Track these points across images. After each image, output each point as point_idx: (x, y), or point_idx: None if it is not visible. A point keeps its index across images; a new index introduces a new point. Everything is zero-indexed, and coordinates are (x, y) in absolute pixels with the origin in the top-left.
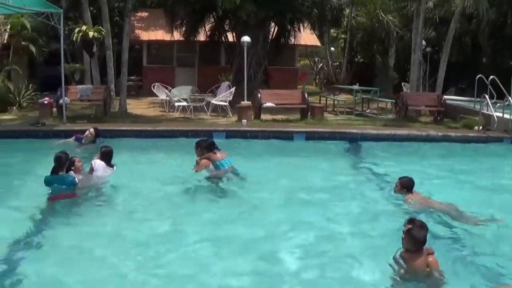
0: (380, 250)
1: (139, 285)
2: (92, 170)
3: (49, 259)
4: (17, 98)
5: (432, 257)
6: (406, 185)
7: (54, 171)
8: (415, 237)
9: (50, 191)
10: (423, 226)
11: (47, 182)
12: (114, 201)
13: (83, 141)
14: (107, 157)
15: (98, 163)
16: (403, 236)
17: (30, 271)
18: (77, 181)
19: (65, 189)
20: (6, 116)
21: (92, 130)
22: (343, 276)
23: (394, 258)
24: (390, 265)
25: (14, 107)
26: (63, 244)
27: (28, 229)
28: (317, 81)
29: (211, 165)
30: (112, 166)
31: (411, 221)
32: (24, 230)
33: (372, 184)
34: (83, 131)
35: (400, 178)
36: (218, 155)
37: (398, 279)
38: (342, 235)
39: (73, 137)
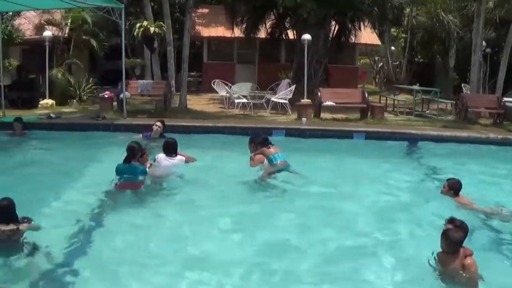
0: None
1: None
2: (154, 162)
3: (109, 245)
4: (78, 92)
5: (470, 259)
6: (453, 187)
7: (127, 160)
8: (450, 238)
9: (119, 179)
10: (461, 227)
11: (119, 170)
12: (172, 193)
13: (151, 136)
14: (168, 149)
15: (159, 156)
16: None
17: (90, 254)
18: (147, 169)
19: (134, 179)
20: (66, 109)
21: (159, 123)
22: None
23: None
24: (430, 265)
25: (75, 100)
26: (124, 229)
27: (90, 215)
28: (377, 80)
29: (265, 160)
30: (173, 157)
31: (451, 220)
32: (86, 216)
33: (429, 185)
34: (146, 126)
35: (448, 180)
36: (272, 149)
37: (432, 280)
38: (396, 235)
39: (141, 135)
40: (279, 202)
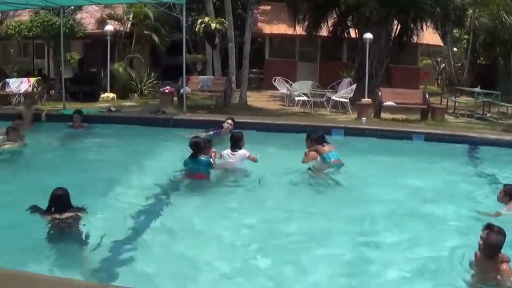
0: None
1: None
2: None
3: (172, 233)
4: (139, 86)
5: (507, 265)
6: (509, 193)
7: (193, 156)
8: (489, 242)
9: (186, 170)
10: (499, 232)
11: (186, 164)
12: (234, 188)
13: (222, 133)
14: (232, 142)
15: (224, 151)
16: (479, 241)
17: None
18: (212, 162)
19: (202, 170)
20: (127, 103)
21: (230, 121)
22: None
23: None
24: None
25: (136, 94)
26: (186, 218)
27: (146, 206)
28: (439, 81)
29: (318, 158)
30: (235, 151)
31: (488, 226)
32: (143, 207)
33: (487, 189)
34: (205, 122)
35: (505, 186)
36: (326, 148)
37: (468, 282)
38: (446, 237)
39: (211, 132)
40: (337, 201)
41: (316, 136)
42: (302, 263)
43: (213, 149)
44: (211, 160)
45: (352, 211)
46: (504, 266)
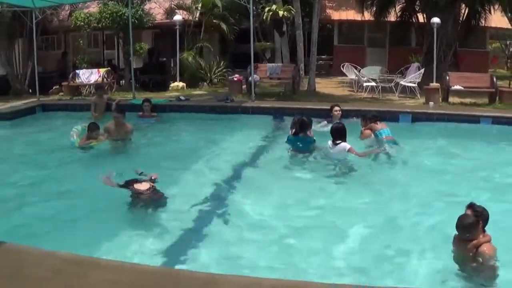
0: None
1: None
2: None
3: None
4: (208, 74)
5: (487, 245)
6: None
7: (297, 133)
8: (458, 223)
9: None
10: (479, 213)
11: (291, 141)
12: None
13: (333, 121)
14: (333, 134)
15: (328, 142)
16: None
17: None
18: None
19: (306, 148)
20: (196, 92)
21: (337, 107)
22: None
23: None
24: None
25: (205, 83)
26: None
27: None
28: (508, 65)
29: (372, 135)
30: (337, 143)
31: (470, 206)
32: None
33: None
34: (283, 110)
35: None
36: (379, 125)
37: (451, 264)
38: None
39: (325, 122)
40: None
41: (371, 115)
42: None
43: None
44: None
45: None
46: (484, 247)
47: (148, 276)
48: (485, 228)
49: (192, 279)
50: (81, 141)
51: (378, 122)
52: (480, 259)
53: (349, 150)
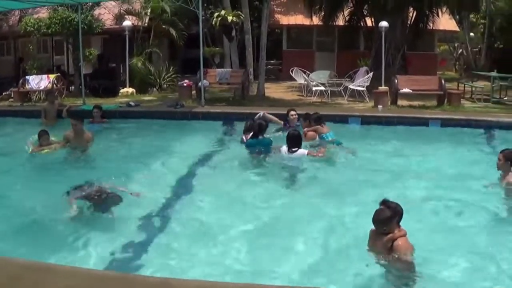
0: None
1: None
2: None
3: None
4: (158, 80)
5: (402, 239)
6: (510, 158)
7: (255, 135)
8: (374, 217)
9: (250, 151)
10: (391, 208)
11: (251, 144)
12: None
13: (290, 127)
14: (290, 141)
15: (282, 149)
16: None
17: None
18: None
19: (266, 149)
20: (146, 97)
21: (293, 112)
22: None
23: None
24: None
25: (155, 89)
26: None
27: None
28: (456, 67)
29: (317, 137)
30: (294, 151)
31: (383, 202)
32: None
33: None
34: (233, 115)
35: (503, 151)
36: (325, 128)
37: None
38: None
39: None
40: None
41: (315, 117)
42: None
43: None
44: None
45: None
46: (397, 242)
47: (104, 281)
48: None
49: (147, 284)
50: (33, 148)
51: (323, 125)
52: (396, 255)
53: (308, 154)
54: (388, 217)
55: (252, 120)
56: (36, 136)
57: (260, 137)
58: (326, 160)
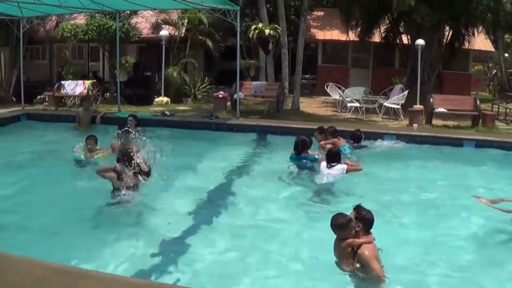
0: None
1: None
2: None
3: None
4: (192, 90)
5: (366, 247)
6: None
7: (299, 152)
8: (331, 222)
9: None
10: (360, 216)
11: (294, 159)
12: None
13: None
14: (328, 157)
15: (321, 164)
16: None
17: None
18: (317, 157)
19: (308, 165)
20: (180, 107)
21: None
22: None
23: None
24: None
25: (189, 99)
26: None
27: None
28: (490, 87)
29: None
30: (332, 165)
31: (356, 208)
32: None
33: None
34: (267, 128)
35: None
36: (342, 141)
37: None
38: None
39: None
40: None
41: (332, 129)
42: None
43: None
44: (316, 157)
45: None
46: (362, 249)
47: None
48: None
49: None
50: (86, 154)
51: (340, 138)
52: (361, 261)
53: (347, 170)
54: (341, 223)
55: (298, 136)
56: (82, 143)
57: (303, 154)
58: (364, 174)
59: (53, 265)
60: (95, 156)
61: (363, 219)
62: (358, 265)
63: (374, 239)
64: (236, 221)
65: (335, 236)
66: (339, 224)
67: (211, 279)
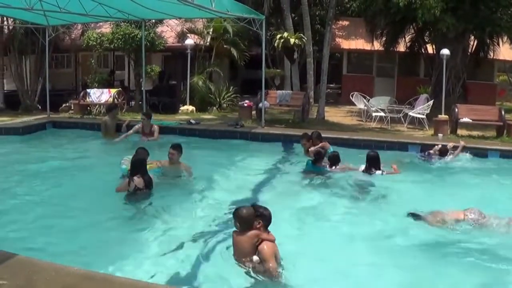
0: None
1: None
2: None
3: None
4: (218, 99)
5: (267, 244)
6: None
7: (315, 162)
8: (235, 214)
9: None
10: (258, 212)
11: (307, 165)
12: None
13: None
14: (370, 162)
15: (361, 167)
16: None
17: None
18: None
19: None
20: (206, 116)
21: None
22: None
23: None
24: None
25: (214, 107)
26: None
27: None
28: None
29: None
30: (372, 170)
31: (252, 205)
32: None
33: None
34: (292, 137)
35: None
36: (327, 144)
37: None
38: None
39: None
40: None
41: (317, 134)
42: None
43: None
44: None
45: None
46: (262, 245)
47: None
48: None
49: None
50: None
51: (324, 141)
52: (260, 256)
53: (384, 173)
54: (243, 215)
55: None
56: (129, 156)
57: (318, 165)
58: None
59: (80, 271)
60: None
61: (262, 216)
62: (257, 259)
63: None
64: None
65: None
66: (245, 216)
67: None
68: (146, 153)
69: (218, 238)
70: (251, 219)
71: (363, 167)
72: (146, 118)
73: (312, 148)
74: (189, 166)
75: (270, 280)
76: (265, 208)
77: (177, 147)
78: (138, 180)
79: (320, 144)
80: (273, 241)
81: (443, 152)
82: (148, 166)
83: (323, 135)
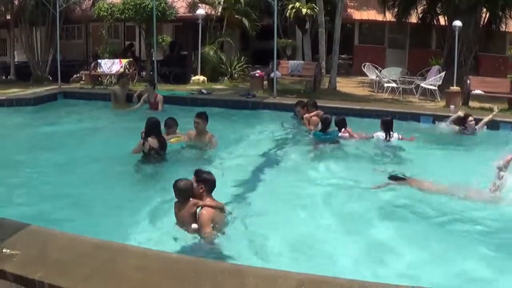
0: None
1: None
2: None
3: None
4: (229, 69)
5: (206, 209)
6: None
7: (323, 129)
8: (174, 186)
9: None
10: (201, 178)
11: (318, 136)
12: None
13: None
14: (386, 126)
15: (377, 134)
16: None
17: None
18: (340, 134)
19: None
20: (217, 86)
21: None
22: None
23: None
24: None
25: (226, 78)
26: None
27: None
28: None
29: (319, 122)
30: (390, 135)
31: (195, 172)
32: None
33: None
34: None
35: None
36: (321, 112)
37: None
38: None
39: None
40: None
41: (313, 102)
42: None
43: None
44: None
45: None
46: (202, 211)
47: (174, 264)
48: None
49: (218, 269)
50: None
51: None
52: (198, 223)
53: (402, 138)
54: (184, 187)
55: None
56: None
57: (327, 130)
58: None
59: (94, 240)
60: (170, 140)
61: (205, 181)
62: (195, 226)
63: (224, 206)
64: (276, 191)
65: None
66: (182, 187)
67: (250, 257)
68: (175, 122)
69: (236, 207)
70: (188, 190)
71: (379, 133)
72: (149, 85)
73: (306, 115)
74: (213, 135)
75: (208, 245)
76: (208, 173)
77: (202, 115)
78: (152, 141)
79: (314, 112)
80: (213, 207)
81: (459, 122)
82: (176, 139)
83: (336, 105)
